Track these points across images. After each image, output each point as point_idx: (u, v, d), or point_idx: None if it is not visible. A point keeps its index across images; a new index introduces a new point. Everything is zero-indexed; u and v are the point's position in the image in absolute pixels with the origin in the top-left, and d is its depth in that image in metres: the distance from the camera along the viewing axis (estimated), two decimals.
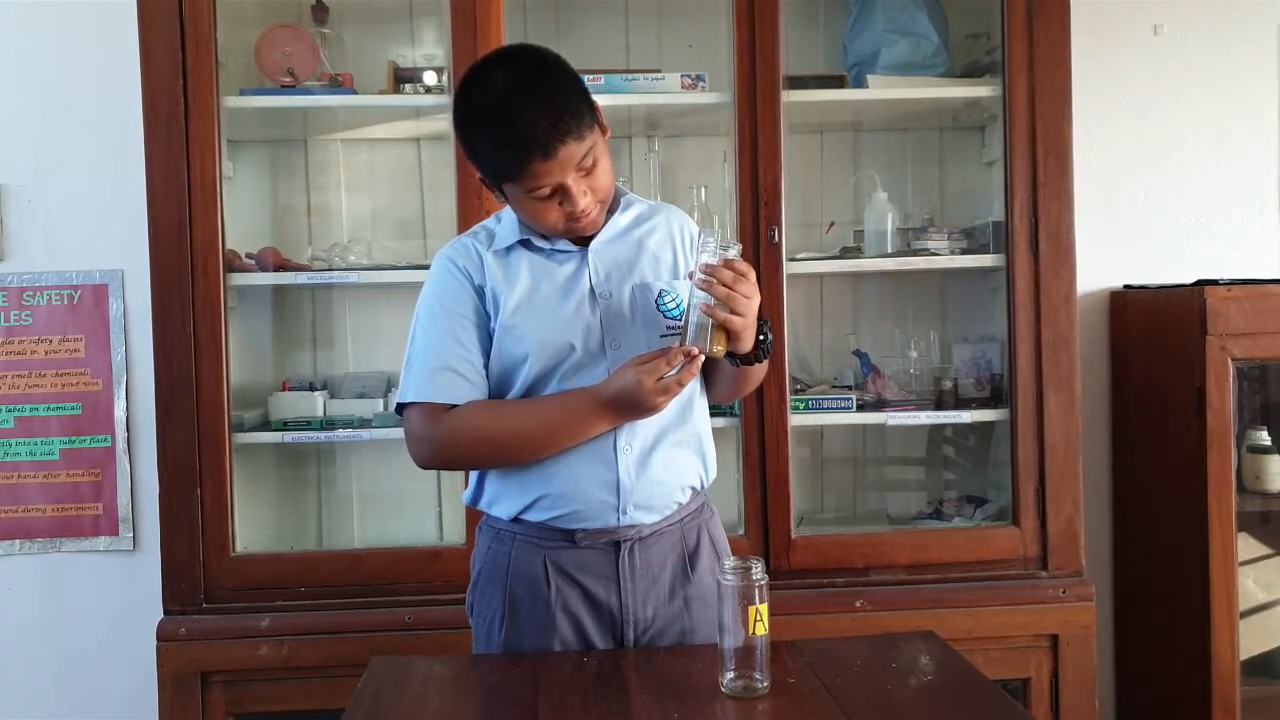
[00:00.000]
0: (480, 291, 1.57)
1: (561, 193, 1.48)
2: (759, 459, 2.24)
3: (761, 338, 1.53)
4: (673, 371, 1.45)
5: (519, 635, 1.57)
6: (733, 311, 1.43)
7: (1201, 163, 2.68)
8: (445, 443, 1.54)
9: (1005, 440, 2.33)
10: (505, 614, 1.57)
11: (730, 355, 1.52)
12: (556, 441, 1.52)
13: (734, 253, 1.46)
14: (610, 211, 1.59)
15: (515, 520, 1.58)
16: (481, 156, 1.50)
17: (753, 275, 1.46)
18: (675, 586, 1.59)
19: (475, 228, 1.65)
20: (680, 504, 1.60)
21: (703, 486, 1.65)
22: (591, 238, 1.57)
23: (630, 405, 1.48)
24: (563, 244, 1.58)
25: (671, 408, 1.54)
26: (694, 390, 1.61)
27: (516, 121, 1.43)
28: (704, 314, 1.44)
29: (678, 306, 1.56)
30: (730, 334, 1.46)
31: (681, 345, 1.46)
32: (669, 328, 1.54)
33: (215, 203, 2.18)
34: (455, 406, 1.53)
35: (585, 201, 1.49)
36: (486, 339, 1.57)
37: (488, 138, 1.47)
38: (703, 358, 1.46)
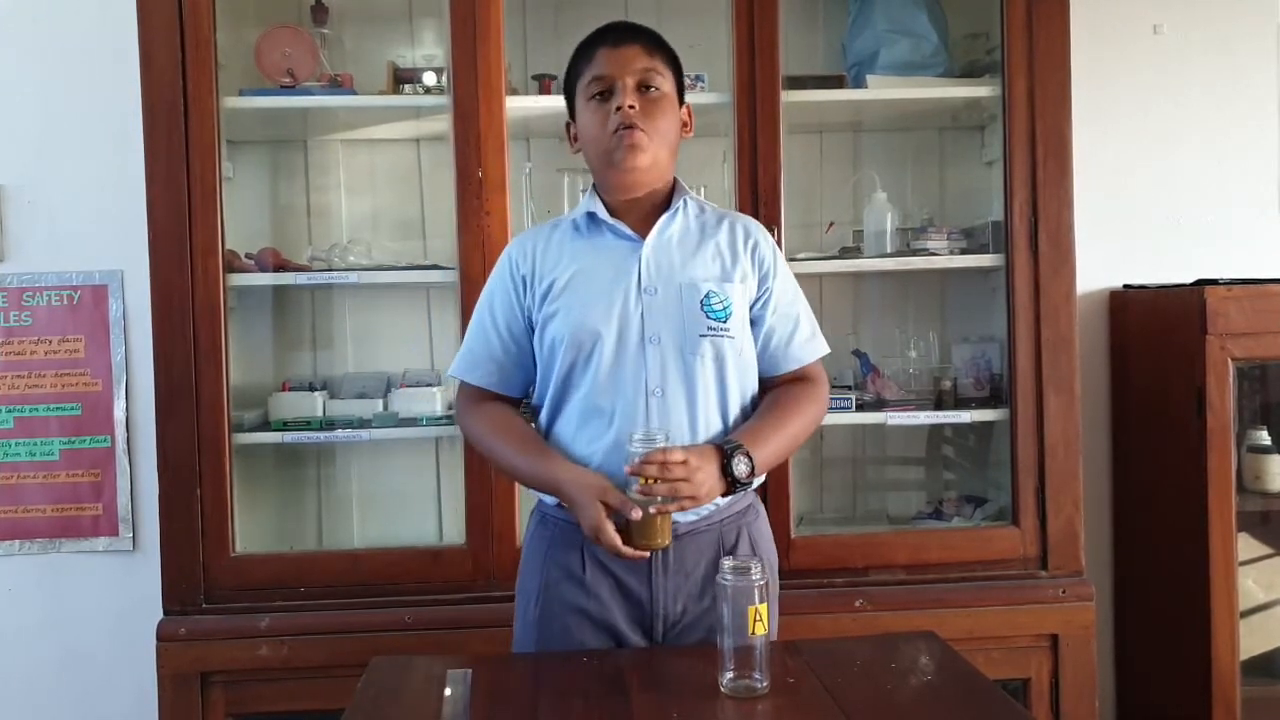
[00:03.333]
0: (524, 282, 1.65)
1: (614, 94, 1.58)
2: None
3: (731, 477, 1.52)
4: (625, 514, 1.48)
5: (550, 615, 1.61)
6: (683, 497, 1.48)
7: (1201, 162, 2.68)
8: (462, 425, 1.72)
9: (1005, 440, 2.33)
10: (540, 594, 1.62)
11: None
12: (517, 480, 1.71)
13: (659, 442, 1.49)
14: (666, 207, 1.64)
15: (560, 506, 1.61)
16: (568, 72, 1.66)
17: (676, 455, 1.48)
18: (707, 584, 1.59)
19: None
20: (717, 505, 1.60)
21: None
22: (648, 231, 1.61)
23: (571, 508, 1.54)
24: (624, 229, 1.62)
25: (708, 408, 1.59)
26: (730, 393, 1.61)
27: (606, 28, 1.64)
28: (644, 510, 1.47)
29: (724, 308, 1.59)
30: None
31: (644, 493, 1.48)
32: (709, 328, 1.58)
33: (215, 203, 2.18)
34: (478, 387, 1.69)
35: (629, 109, 1.57)
36: (520, 326, 1.66)
37: (579, 47, 1.65)
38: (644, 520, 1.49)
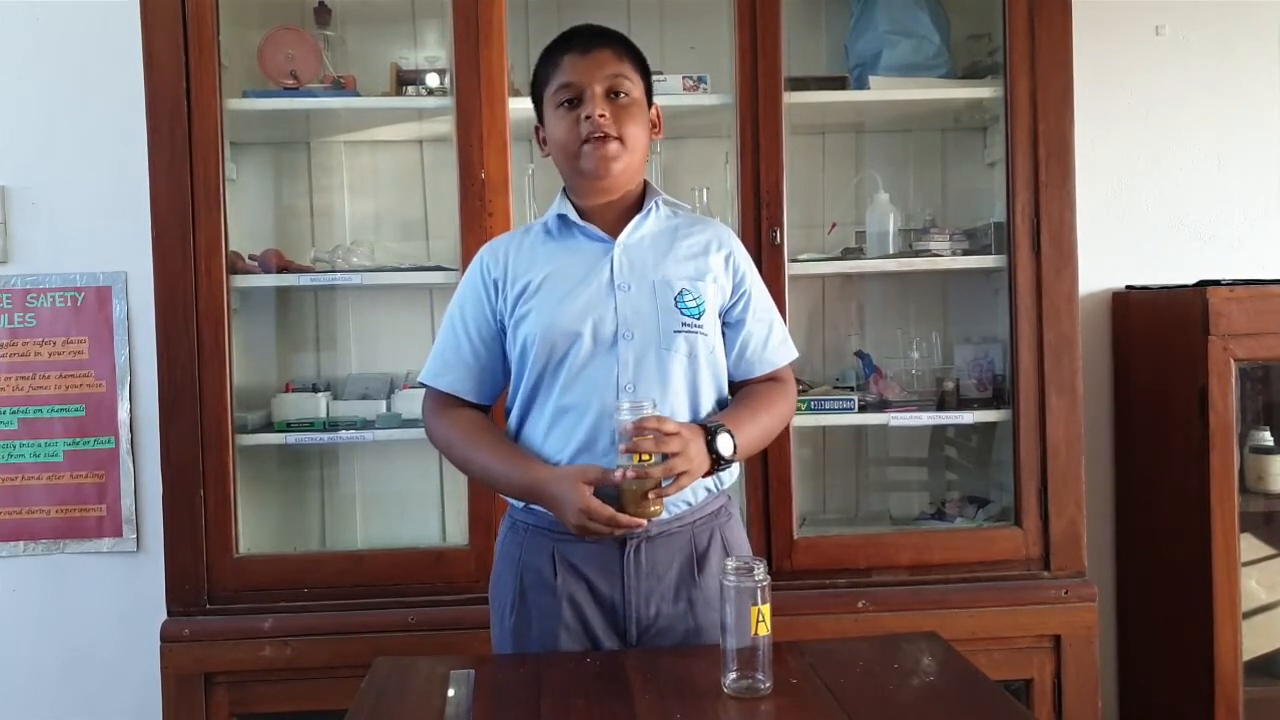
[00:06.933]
0: (495, 286, 1.64)
1: (584, 102, 1.57)
2: (761, 459, 2.24)
3: (714, 456, 1.53)
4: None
5: (527, 622, 1.60)
6: (678, 473, 1.47)
7: (1203, 163, 2.68)
8: (431, 432, 1.70)
9: (1007, 441, 2.33)
10: (516, 601, 1.61)
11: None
12: (492, 487, 1.68)
13: (648, 410, 1.48)
14: (637, 209, 1.64)
15: (528, 509, 1.61)
16: (535, 78, 1.65)
17: (670, 425, 1.48)
18: (681, 587, 1.60)
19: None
20: (690, 504, 1.60)
21: (718, 488, 1.64)
22: (620, 231, 1.61)
23: (554, 510, 1.53)
24: (595, 231, 1.62)
25: (679, 404, 1.58)
26: (702, 390, 1.61)
27: (571, 33, 1.62)
28: (635, 482, 1.46)
29: (698, 305, 1.59)
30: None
31: (635, 466, 1.47)
32: (684, 324, 1.57)
33: (218, 204, 2.18)
34: (446, 394, 1.67)
35: (599, 116, 1.56)
36: (491, 331, 1.64)
37: (545, 52, 1.64)
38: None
